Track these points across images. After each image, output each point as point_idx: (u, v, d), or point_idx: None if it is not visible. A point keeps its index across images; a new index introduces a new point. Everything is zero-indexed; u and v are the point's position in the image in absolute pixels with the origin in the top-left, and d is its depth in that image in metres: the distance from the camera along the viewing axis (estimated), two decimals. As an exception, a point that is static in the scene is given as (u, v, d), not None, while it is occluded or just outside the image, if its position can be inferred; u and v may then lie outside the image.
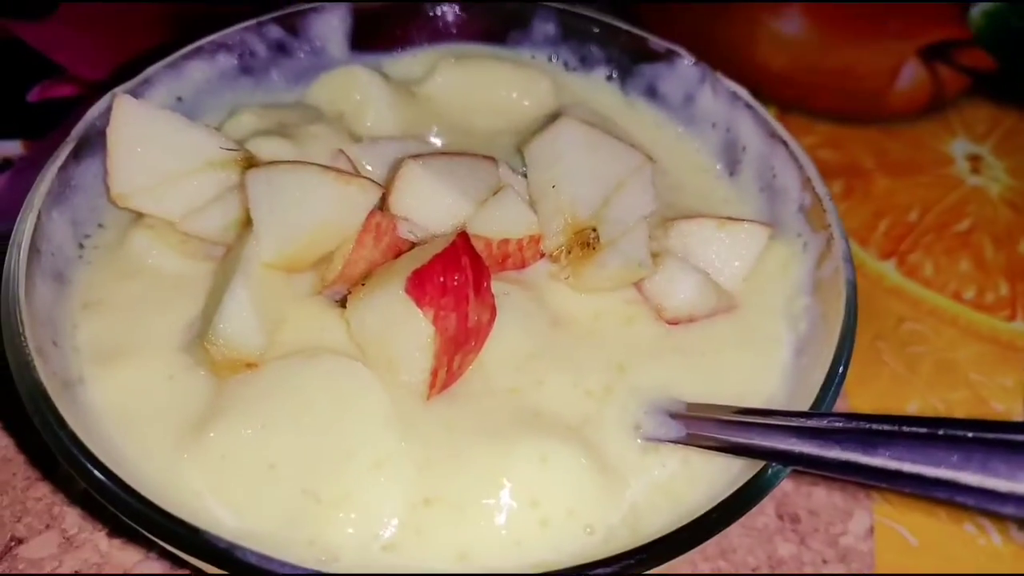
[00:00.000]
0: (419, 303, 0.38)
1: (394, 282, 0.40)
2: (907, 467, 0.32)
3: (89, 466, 0.35)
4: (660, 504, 0.39)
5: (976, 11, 0.93)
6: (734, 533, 0.53)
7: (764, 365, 0.45)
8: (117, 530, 0.51)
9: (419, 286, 0.39)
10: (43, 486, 0.53)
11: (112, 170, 0.45)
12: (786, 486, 0.56)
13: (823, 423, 0.35)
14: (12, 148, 0.72)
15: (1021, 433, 0.30)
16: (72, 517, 0.52)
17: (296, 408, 0.39)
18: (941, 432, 0.31)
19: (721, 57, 0.85)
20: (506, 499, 0.38)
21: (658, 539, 0.34)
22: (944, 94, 0.85)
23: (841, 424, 0.35)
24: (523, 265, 0.46)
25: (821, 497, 0.55)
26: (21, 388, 0.37)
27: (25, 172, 0.70)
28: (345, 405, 0.39)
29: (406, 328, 0.39)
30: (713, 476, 0.40)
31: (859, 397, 0.62)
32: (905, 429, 0.32)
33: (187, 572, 0.50)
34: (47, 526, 0.51)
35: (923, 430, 0.32)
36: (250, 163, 0.46)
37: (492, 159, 0.48)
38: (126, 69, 0.51)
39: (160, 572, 0.50)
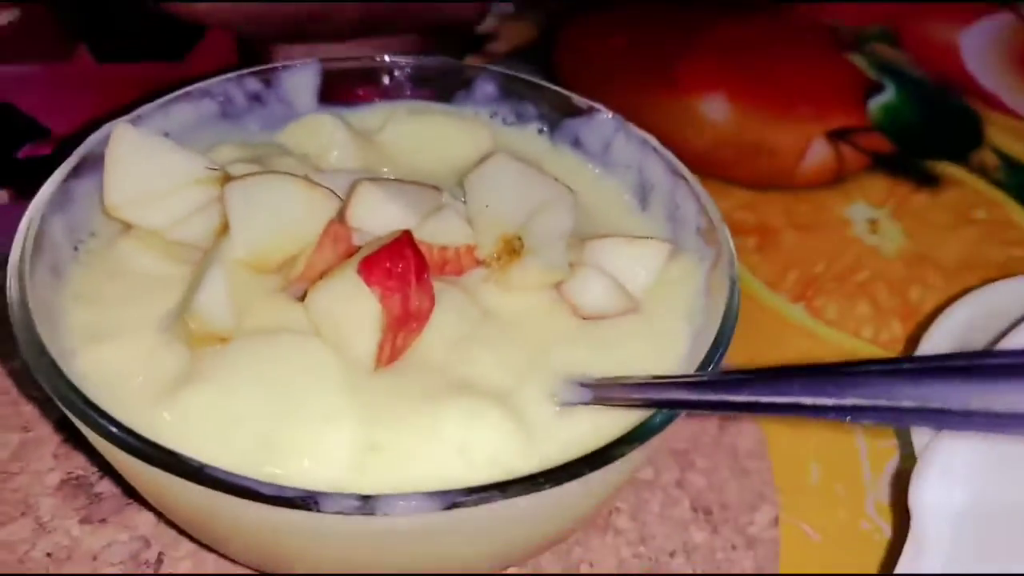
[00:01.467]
0: (368, 283, 0.46)
1: (347, 270, 0.47)
2: (763, 399, 0.39)
3: (88, 410, 0.41)
4: (569, 456, 0.45)
5: (874, 104, 1.06)
6: (653, 522, 0.59)
7: (665, 354, 0.52)
8: (87, 518, 0.56)
9: (368, 268, 0.46)
10: (19, 479, 0.58)
11: (107, 184, 0.52)
12: (700, 483, 0.62)
13: (704, 377, 0.43)
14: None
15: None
16: (46, 506, 0.57)
17: (259, 373, 0.46)
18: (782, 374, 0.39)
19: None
20: (438, 448, 0.44)
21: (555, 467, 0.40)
22: (846, 170, 0.96)
23: (716, 377, 0.42)
24: (460, 271, 0.53)
25: (731, 493, 0.62)
26: (28, 352, 0.43)
27: (7, 217, 0.78)
28: (301, 371, 0.46)
29: (357, 307, 0.46)
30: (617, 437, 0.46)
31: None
32: (757, 375, 0.40)
33: (155, 550, 0.55)
34: (22, 513, 0.56)
35: (770, 374, 0.39)
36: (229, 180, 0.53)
37: (436, 187, 0.56)
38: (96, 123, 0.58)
39: (125, 554, 0.55)
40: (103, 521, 0.56)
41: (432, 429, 0.45)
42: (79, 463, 0.59)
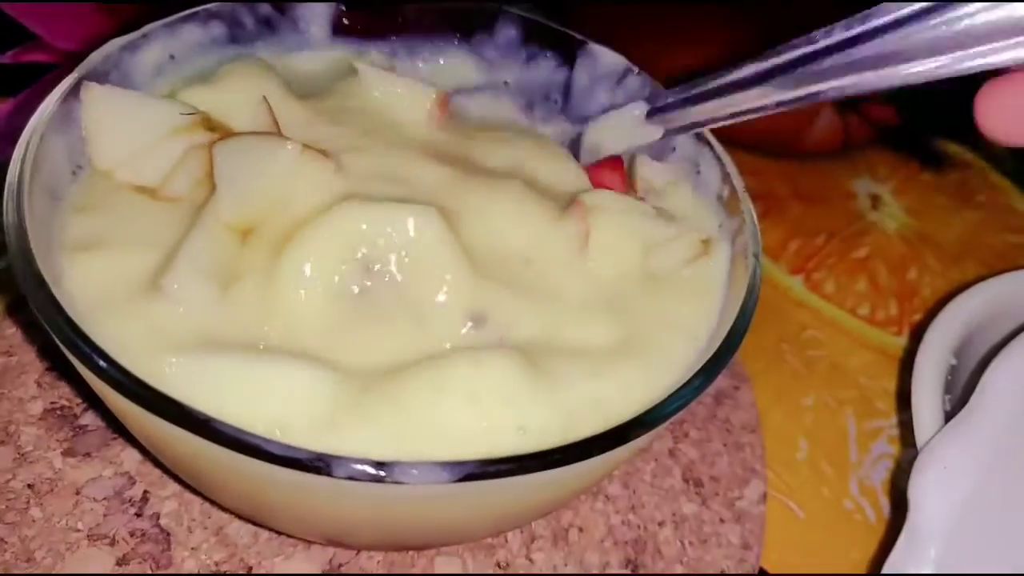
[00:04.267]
0: None
1: None
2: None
3: (79, 341, 0.39)
4: (592, 416, 0.44)
5: (885, 73, 1.04)
6: (644, 490, 0.59)
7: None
8: (71, 450, 0.54)
9: None
10: (1, 406, 0.55)
11: (93, 150, 0.49)
12: (692, 454, 0.62)
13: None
14: (-19, 102, 0.76)
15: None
16: (27, 435, 0.55)
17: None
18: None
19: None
20: (445, 396, 0.42)
21: (582, 440, 0.39)
22: (853, 140, 0.95)
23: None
24: None
25: (723, 466, 0.62)
26: (21, 274, 0.40)
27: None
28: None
29: None
30: (647, 396, 0.45)
31: (763, 388, 0.69)
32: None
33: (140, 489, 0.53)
34: (2, 442, 0.54)
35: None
36: (209, 123, 0.50)
37: None
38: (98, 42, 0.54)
39: (109, 490, 0.53)
40: (87, 455, 0.54)
41: (437, 378, 0.43)
42: (64, 392, 0.57)
